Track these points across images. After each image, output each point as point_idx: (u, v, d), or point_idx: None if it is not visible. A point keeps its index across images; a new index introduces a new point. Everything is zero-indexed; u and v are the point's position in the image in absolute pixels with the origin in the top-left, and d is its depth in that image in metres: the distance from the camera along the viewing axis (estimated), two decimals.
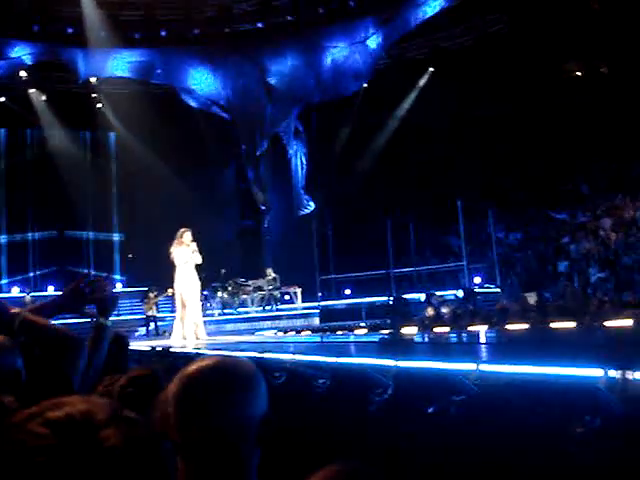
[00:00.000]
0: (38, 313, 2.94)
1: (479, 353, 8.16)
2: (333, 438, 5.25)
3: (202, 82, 26.19)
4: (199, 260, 15.12)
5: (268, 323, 21.59)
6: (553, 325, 10.46)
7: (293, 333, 16.37)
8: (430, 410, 4.74)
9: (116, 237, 29.63)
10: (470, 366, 5.13)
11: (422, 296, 18.85)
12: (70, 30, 24.19)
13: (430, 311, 15.71)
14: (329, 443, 5.22)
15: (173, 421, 1.66)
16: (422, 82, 26.26)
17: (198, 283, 15.76)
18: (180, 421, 1.64)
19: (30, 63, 24.86)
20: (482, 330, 10.47)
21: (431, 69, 25.98)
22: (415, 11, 23.26)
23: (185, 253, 15.13)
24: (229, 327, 22.03)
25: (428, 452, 4.47)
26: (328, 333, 14.40)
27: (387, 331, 11.68)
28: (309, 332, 16.05)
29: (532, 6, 21.88)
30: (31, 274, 28.40)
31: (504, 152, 23.03)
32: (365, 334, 12.91)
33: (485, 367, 5.09)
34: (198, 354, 9.97)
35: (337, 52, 24.99)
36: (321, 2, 24.45)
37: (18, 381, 2.78)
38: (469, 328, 10.49)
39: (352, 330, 14.33)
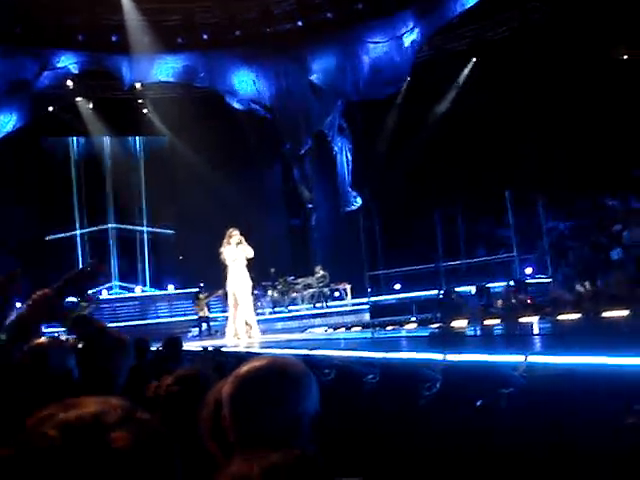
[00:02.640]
0: (46, 298, 2.98)
1: (530, 345, 8.06)
2: (382, 433, 5.26)
3: (245, 83, 26.38)
4: (251, 253, 15.28)
5: (318, 320, 21.63)
6: (606, 314, 10.29)
7: (343, 330, 16.37)
8: (478, 403, 4.72)
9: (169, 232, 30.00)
10: (518, 358, 5.08)
11: (472, 289, 18.69)
12: (114, 38, 24.55)
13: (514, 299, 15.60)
14: (378, 438, 5.22)
15: (228, 420, 1.70)
16: (465, 73, 26.00)
17: (250, 282, 15.90)
18: (235, 420, 1.68)
19: (76, 72, 25.32)
20: (534, 321, 10.35)
21: (474, 59, 25.71)
22: (455, 2, 23.04)
23: (234, 252, 15.29)
24: (280, 325, 22.17)
25: (476, 445, 4.45)
26: (378, 329, 14.38)
27: (437, 325, 11.62)
28: (359, 328, 16.03)
29: None
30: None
31: (552, 140, 22.69)
32: (415, 329, 12.86)
33: (534, 358, 5.03)
34: (249, 353, 10.05)
35: (378, 47, 24.89)
36: None
37: (69, 380, 2.85)
38: (520, 320, 10.38)
39: (402, 325, 14.29)
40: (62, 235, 28.84)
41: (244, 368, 1.76)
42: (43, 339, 3.07)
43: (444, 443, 4.77)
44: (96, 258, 28.40)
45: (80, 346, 3.73)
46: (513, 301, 14.99)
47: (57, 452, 0.99)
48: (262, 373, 1.74)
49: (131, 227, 29.68)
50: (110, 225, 29.72)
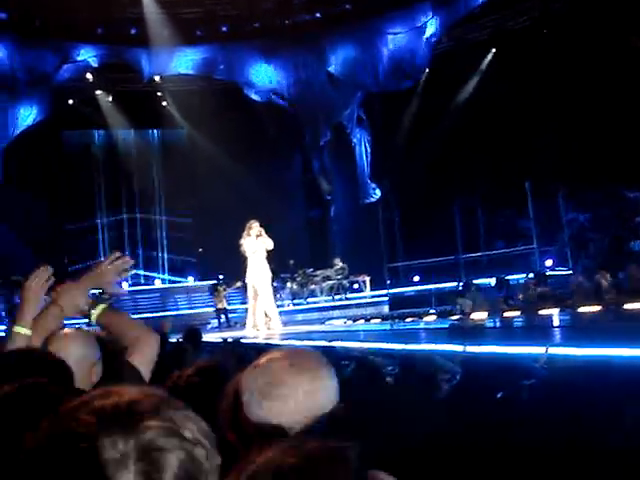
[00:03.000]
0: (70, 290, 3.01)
1: (550, 336, 8.03)
2: (402, 426, 5.25)
3: (264, 75, 26.37)
4: (271, 245, 15.37)
5: (338, 312, 21.64)
6: (627, 306, 10.21)
7: (362, 321, 16.38)
8: (499, 395, 4.70)
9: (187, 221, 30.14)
10: (539, 350, 5.06)
11: (492, 280, 18.64)
12: (133, 31, 24.61)
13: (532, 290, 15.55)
14: (397, 431, 5.22)
15: (247, 413, 1.70)
16: (485, 63, 25.84)
17: (269, 274, 15.97)
18: (254, 412, 1.68)
19: (96, 65, 25.42)
20: (554, 313, 10.30)
21: (493, 50, 25.54)
22: None
23: (254, 244, 15.37)
24: (300, 317, 22.21)
25: (497, 438, 4.43)
26: (397, 320, 14.38)
27: (457, 317, 11.60)
28: (378, 320, 16.04)
29: None
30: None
31: (572, 131, 22.51)
32: (435, 320, 12.85)
33: (555, 350, 5.02)
34: (268, 344, 10.08)
35: (397, 38, 24.79)
36: None
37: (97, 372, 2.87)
38: (540, 312, 10.33)
39: (421, 317, 14.28)
40: (81, 226, 29.06)
41: (262, 359, 1.77)
42: (68, 330, 3.10)
43: (464, 436, 4.75)
44: (119, 251, 28.63)
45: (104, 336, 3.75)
46: (532, 293, 14.93)
47: (92, 437, 1.01)
48: (281, 363, 1.74)
49: (152, 216, 29.84)
50: (127, 215, 29.91)
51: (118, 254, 3.21)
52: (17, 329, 2.82)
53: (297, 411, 1.69)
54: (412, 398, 5.84)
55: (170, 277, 29.50)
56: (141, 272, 29.26)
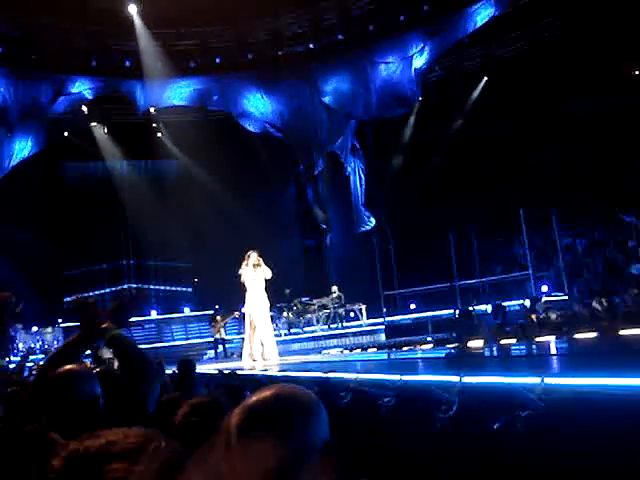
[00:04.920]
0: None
1: (547, 365, 8.02)
2: (399, 456, 5.24)
3: (258, 105, 26.53)
4: (269, 274, 15.42)
5: (334, 341, 21.59)
6: (623, 332, 10.20)
7: (359, 351, 16.34)
8: (496, 426, 4.69)
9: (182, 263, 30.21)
10: (534, 380, 5.05)
11: (488, 307, 18.64)
12: (127, 63, 24.79)
13: (533, 317, 15.52)
14: (395, 461, 5.21)
15: (236, 451, 1.71)
16: (477, 92, 26.07)
17: (267, 303, 15.97)
18: (242, 450, 1.68)
19: (91, 97, 25.54)
20: (550, 340, 10.28)
21: (485, 78, 25.79)
22: (466, 22, 23.13)
23: (252, 273, 15.39)
24: (296, 346, 22.16)
25: (493, 468, 4.42)
26: (394, 349, 14.34)
27: (453, 345, 11.58)
28: (375, 349, 16.00)
29: (585, 8, 21.52)
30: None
31: (565, 157, 22.67)
32: (431, 349, 12.82)
33: (550, 380, 5.00)
34: (265, 376, 10.05)
35: (389, 67, 24.99)
36: (371, 19, 24.52)
37: (96, 407, 2.88)
38: (537, 339, 10.31)
39: (418, 345, 14.25)
40: (77, 256, 29.15)
41: (252, 398, 1.77)
42: (70, 365, 3.11)
43: (461, 466, 4.74)
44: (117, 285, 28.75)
45: (101, 371, 3.76)
46: (528, 320, 14.93)
47: None
48: (269, 403, 1.74)
49: (144, 250, 29.88)
50: (127, 262, 29.98)
51: (137, 289, 3.26)
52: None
53: (288, 449, 1.69)
54: (408, 429, 5.83)
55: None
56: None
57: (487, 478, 4.46)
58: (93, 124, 27.78)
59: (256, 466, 1.66)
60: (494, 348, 9.81)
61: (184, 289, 30.11)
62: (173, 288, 30.23)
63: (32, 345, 24.23)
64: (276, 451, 1.66)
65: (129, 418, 2.70)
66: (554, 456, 4.21)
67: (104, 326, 2.95)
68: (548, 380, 4.97)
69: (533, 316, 15.50)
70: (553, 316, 15.02)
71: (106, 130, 28.01)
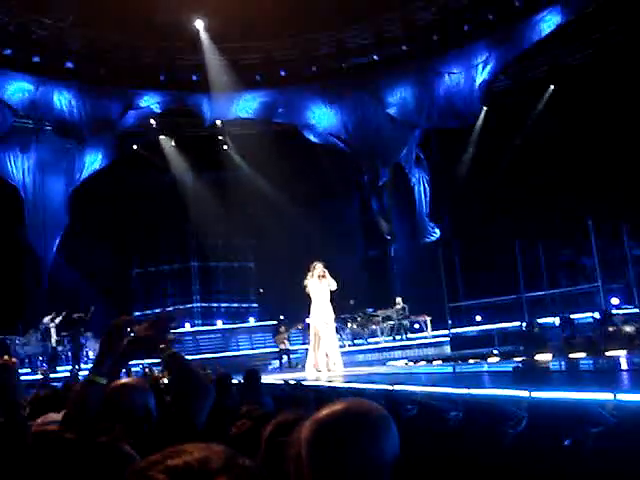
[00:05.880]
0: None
1: (618, 381, 7.85)
2: (466, 473, 5.19)
3: (322, 117, 26.67)
4: (334, 285, 15.45)
5: (398, 353, 21.49)
6: None
7: (424, 363, 16.22)
8: (566, 443, 4.62)
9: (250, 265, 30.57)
10: (606, 396, 4.96)
11: (556, 320, 18.30)
12: (194, 77, 25.24)
13: (610, 329, 15.20)
14: (462, 477, 5.16)
15: (306, 465, 1.74)
16: (544, 100, 25.70)
17: (332, 315, 16.00)
18: (313, 465, 1.72)
19: (159, 111, 26.07)
20: (621, 355, 10.04)
21: (552, 87, 25.41)
22: (531, 30, 22.84)
23: (318, 284, 15.45)
24: (360, 358, 22.12)
25: None
26: (460, 362, 14.19)
27: (520, 359, 11.41)
28: (440, 361, 15.86)
29: None
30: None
31: (636, 165, 22.12)
32: (498, 362, 12.67)
33: (623, 396, 4.91)
34: (330, 387, 10.08)
35: (453, 78, 24.84)
36: (435, 29, 24.43)
37: (149, 419, 2.96)
38: (607, 353, 10.09)
39: (484, 358, 14.08)
40: (145, 269, 29.73)
41: (323, 412, 1.79)
42: (125, 379, 3.19)
43: None
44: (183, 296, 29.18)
45: (163, 384, 3.83)
46: (599, 333, 14.60)
47: None
48: (340, 418, 1.76)
49: (211, 261, 30.28)
50: (193, 264, 30.43)
51: (167, 313, 3.31)
52: (96, 378, 2.89)
53: (356, 465, 1.71)
54: (477, 444, 5.77)
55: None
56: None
57: None
58: (161, 137, 28.36)
59: (325, 477, 1.69)
60: (563, 362, 9.63)
61: (248, 304, 30.44)
62: (237, 303, 30.54)
63: None
64: (346, 465, 1.69)
65: (178, 433, 2.77)
66: (625, 475, 4.12)
67: (162, 346, 2.96)
68: (620, 396, 4.88)
69: (610, 328, 15.14)
70: (630, 329, 14.65)
71: (174, 143, 28.56)
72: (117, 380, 3.10)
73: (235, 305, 30.32)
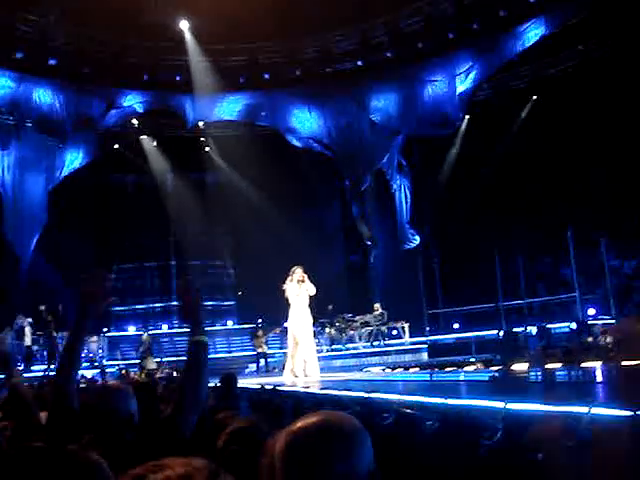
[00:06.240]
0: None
1: (593, 393, 7.88)
2: None
3: (305, 121, 26.68)
4: (313, 290, 15.42)
5: (376, 359, 21.50)
6: None
7: (401, 370, 16.23)
8: (540, 456, 4.62)
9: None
10: (581, 409, 4.98)
11: (533, 329, 18.37)
12: (178, 78, 25.16)
13: (589, 340, 15.27)
14: None
15: (280, 477, 1.73)
16: (526, 111, 25.87)
17: (310, 320, 15.98)
18: (286, 477, 1.70)
19: (141, 111, 25.96)
20: (596, 366, 10.11)
21: (534, 97, 25.59)
22: (515, 41, 23.00)
23: (296, 289, 15.43)
24: (337, 363, 22.12)
25: None
26: (436, 370, 14.22)
27: (497, 368, 11.45)
28: (417, 368, 15.89)
29: (636, 28, 21.22)
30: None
31: (615, 177, 22.31)
32: (474, 371, 12.71)
33: (597, 410, 4.93)
34: (307, 394, 10.06)
35: (436, 86, 24.92)
36: (420, 37, 24.50)
37: (132, 423, 2.94)
38: (582, 364, 10.15)
39: (461, 366, 14.12)
40: (126, 269, 29.65)
41: (297, 424, 1.78)
42: (110, 382, 3.19)
43: None
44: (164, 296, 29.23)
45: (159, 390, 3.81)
46: (575, 344, 14.68)
47: None
48: (314, 430, 1.75)
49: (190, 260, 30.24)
50: (172, 262, 30.40)
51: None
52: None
53: (332, 477, 1.70)
54: (453, 453, 5.78)
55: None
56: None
57: None
58: (143, 137, 28.25)
59: None
60: (539, 372, 9.67)
61: (228, 303, 30.36)
62: (216, 303, 30.45)
63: None
64: (319, 478, 1.68)
65: (166, 441, 2.75)
66: None
67: (193, 328, 3.06)
68: (595, 410, 4.90)
69: (587, 339, 15.24)
70: (606, 340, 14.74)
71: (155, 143, 28.46)
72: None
73: (212, 303, 30.25)
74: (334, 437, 1.71)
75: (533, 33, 22.70)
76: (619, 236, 21.97)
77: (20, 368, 20.95)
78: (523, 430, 5.28)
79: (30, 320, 22.61)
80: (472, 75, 24.49)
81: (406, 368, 16.57)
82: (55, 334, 22.60)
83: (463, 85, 24.69)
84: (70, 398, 3.16)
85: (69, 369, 3.26)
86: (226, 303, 30.36)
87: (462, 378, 11.45)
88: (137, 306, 29.82)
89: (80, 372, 15.62)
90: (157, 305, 30.01)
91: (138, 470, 1.15)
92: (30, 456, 2.29)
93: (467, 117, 25.91)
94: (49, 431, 3.18)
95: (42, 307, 22.61)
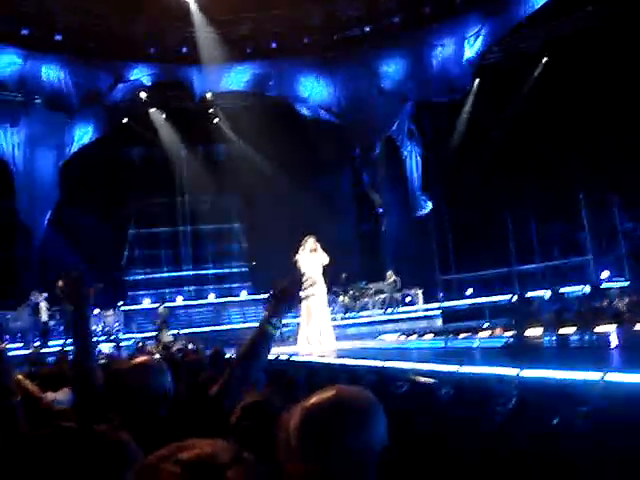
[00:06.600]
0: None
1: (609, 358, 7.88)
2: (454, 449, 5.23)
3: (314, 90, 26.51)
4: (326, 260, 15.43)
5: (390, 326, 21.57)
6: None
7: (415, 337, 16.27)
8: (554, 422, 4.66)
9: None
10: (595, 375, 5.00)
11: (547, 293, 18.35)
12: (184, 49, 25.02)
13: (600, 303, 15.23)
14: (451, 455, 5.20)
15: (296, 451, 1.75)
16: (537, 73, 25.56)
17: (324, 289, 15.99)
18: (302, 452, 1.73)
19: (149, 84, 25.88)
20: (610, 330, 10.09)
21: (545, 59, 25.27)
22: (524, 3, 22.68)
23: (309, 259, 15.44)
24: (351, 331, 22.22)
25: (551, 466, 4.39)
26: (451, 336, 14.25)
27: (511, 333, 11.47)
28: (432, 335, 15.92)
29: None
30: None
31: (627, 139, 22.07)
32: (489, 336, 12.73)
33: (611, 376, 4.94)
34: (320, 364, 10.12)
35: (445, 50, 24.66)
36: (427, 0, 24.22)
37: (167, 398, 2.93)
38: (596, 328, 10.14)
39: (475, 332, 14.14)
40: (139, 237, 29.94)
41: (311, 400, 1.81)
42: (143, 357, 3.17)
43: (517, 462, 4.72)
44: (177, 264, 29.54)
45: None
46: (588, 307, 14.65)
47: None
48: (328, 405, 1.78)
49: (202, 227, 30.40)
50: (182, 228, 30.61)
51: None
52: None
53: (345, 453, 1.73)
54: (467, 421, 5.82)
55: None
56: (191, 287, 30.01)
57: (544, 473, 4.43)
58: (151, 110, 28.20)
59: (314, 465, 1.70)
60: (553, 337, 9.69)
61: (240, 270, 30.66)
62: (229, 270, 30.73)
63: (94, 327, 24.79)
64: (334, 452, 1.71)
65: (207, 419, 2.77)
66: (612, 455, 4.15)
67: (270, 316, 3.12)
68: (609, 376, 4.92)
69: (600, 302, 15.18)
70: (620, 303, 14.70)
71: (164, 116, 28.42)
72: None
73: (225, 271, 30.57)
74: (348, 412, 1.74)
75: None
76: (633, 198, 21.80)
77: (37, 344, 21.22)
78: (538, 397, 5.32)
79: (46, 295, 22.76)
80: (481, 38, 24.21)
81: (420, 335, 16.62)
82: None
83: (473, 48, 24.42)
84: (91, 377, 3.18)
85: (85, 349, 3.29)
86: (237, 270, 30.60)
87: (477, 344, 11.48)
88: (151, 275, 30.13)
89: (98, 347, 15.74)
90: (170, 275, 30.28)
91: (163, 451, 1.19)
92: (60, 437, 2.32)
93: (477, 81, 25.65)
94: (76, 411, 3.22)
95: (60, 283, 22.75)
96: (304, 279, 3.20)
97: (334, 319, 22.15)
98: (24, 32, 22.88)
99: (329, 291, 20.63)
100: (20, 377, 4.36)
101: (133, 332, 25.06)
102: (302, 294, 3.16)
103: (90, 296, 3.38)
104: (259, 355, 3.03)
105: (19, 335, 22.83)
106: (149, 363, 3.02)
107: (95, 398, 3.10)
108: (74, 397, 3.53)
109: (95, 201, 26.61)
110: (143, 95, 26.89)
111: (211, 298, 28.99)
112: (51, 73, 23.98)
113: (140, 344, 19.48)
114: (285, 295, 3.15)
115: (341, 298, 24.51)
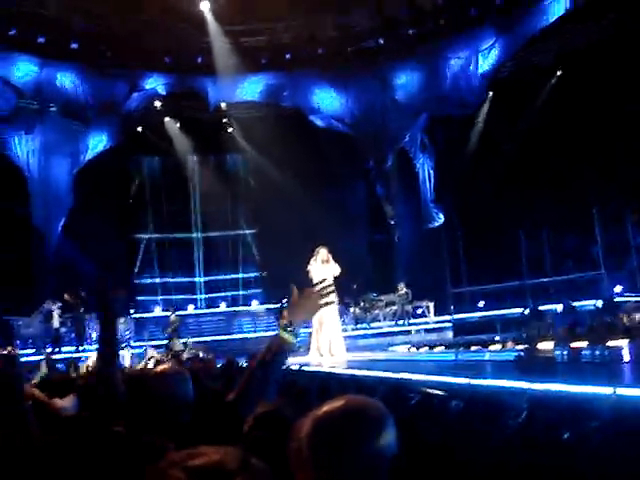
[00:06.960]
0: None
1: (619, 374, 7.85)
2: (463, 461, 5.22)
3: (327, 101, 26.60)
4: (338, 271, 15.34)
5: (401, 338, 21.55)
6: None
7: (426, 349, 16.24)
8: (565, 436, 4.64)
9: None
10: (606, 390, 4.98)
11: (559, 307, 18.27)
12: (200, 59, 25.16)
13: (612, 318, 15.14)
14: (460, 467, 5.19)
15: (307, 461, 1.77)
16: (550, 86, 25.54)
17: (336, 299, 15.96)
18: (313, 461, 1.74)
19: (163, 93, 26.04)
20: (623, 345, 10.05)
21: (559, 72, 25.25)
22: (538, 16, 22.68)
23: (321, 270, 15.41)
24: (362, 342, 22.14)
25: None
26: (461, 349, 14.21)
27: (522, 347, 11.42)
28: (442, 347, 15.88)
29: None
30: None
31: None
32: (500, 350, 12.70)
33: (623, 391, 4.93)
34: (332, 374, 10.12)
35: (459, 63, 24.71)
36: (442, 13, 24.28)
37: (189, 406, 2.94)
38: (608, 343, 10.09)
39: (486, 345, 14.10)
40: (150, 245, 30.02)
41: (322, 409, 1.82)
42: (165, 366, 3.17)
43: (529, 476, 4.70)
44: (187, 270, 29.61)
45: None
46: (600, 322, 14.57)
47: None
48: (339, 415, 1.79)
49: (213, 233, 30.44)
50: (195, 235, 30.70)
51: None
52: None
53: (355, 462, 1.74)
54: (478, 434, 5.81)
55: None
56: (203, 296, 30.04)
57: None
58: (166, 119, 28.36)
59: (325, 474, 1.72)
60: (565, 352, 9.65)
61: (251, 279, 30.73)
62: (241, 277, 30.80)
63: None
64: (345, 462, 1.72)
65: (223, 424, 2.78)
66: (623, 471, 4.14)
67: (289, 326, 3.09)
68: (620, 390, 4.90)
69: (612, 317, 15.08)
70: (632, 317, 14.61)
71: (178, 125, 28.57)
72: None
73: (237, 278, 30.60)
74: (359, 421, 1.75)
75: (557, 7, 22.36)
76: None
77: (49, 350, 21.29)
78: (548, 411, 5.30)
79: (60, 304, 22.87)
80: (495, 52, 24.24)
81: (431, 347, 16.58)
82: (85, 316, 22.89)
83: (486, 61, 24.44)
84: (113, 383, 3.21)
85: (109, 355, 3.34)
86: (248, 278, 30.65)
87: (487, 357, 11.44)
88: (162, 279, 30.19)
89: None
90: (182, 281, 30.34)
91: (174, 457, 1.21)
92: (110, 441, 2.35)
93: (490, 94, 25.64)
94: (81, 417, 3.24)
95: (66, 296, 22.86)
96: (326, 285, 3.19)
97: (345, 330, 22.12)
98: (40, 40, 23.08)
99: (340, 302, 20.64)
100: (28, 385, 4.40)
101: (144, 339, 25.10)
102: (322, 301, 3.14)
103: (120, 299, 3.43)
104: (276, 362, 3.04)
105: (30, 341, 22.94)
106: (174, 372, 3.03)
107: (116, 404, 3.12)
108: (79, 404, 3.56)
109: (108, 209, 26.70)
110: (158, 104, 27.07)
111: (222, 307, 29.03)
112: (67, 81, 24.20)
113: (150, 352, 19.47)
114: (304, 302, 3.14)
115: (352, 309, 24.49)
